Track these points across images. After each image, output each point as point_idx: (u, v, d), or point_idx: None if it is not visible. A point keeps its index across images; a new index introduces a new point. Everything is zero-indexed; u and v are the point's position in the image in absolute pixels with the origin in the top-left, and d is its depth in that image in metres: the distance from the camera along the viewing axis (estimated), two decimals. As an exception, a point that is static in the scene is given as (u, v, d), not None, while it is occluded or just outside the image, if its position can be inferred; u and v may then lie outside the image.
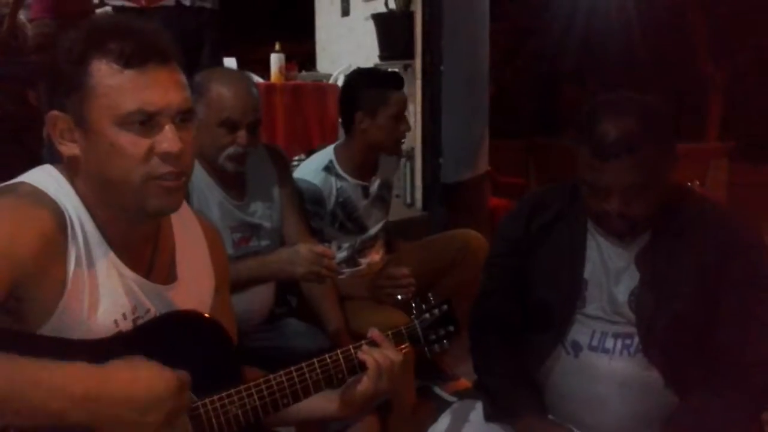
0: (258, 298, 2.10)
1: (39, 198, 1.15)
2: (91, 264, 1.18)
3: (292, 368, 1.32)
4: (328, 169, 2.69)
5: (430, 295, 1.56)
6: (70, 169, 1.20)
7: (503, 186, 5.20)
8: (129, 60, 1.12)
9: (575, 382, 1.64)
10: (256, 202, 2.17)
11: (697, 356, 1.57)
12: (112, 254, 1.21)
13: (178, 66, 1.19)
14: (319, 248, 1.98)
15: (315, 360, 1.34)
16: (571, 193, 1.70)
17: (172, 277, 1.33)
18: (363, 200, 2.74)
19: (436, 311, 1.53)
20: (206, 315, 1.33)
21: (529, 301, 1.72)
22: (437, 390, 2.97)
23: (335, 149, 2.75)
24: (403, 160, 4.09)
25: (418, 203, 4.36)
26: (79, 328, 1.16)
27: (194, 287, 1.36)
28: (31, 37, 3.85)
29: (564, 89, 6.60)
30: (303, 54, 5.29)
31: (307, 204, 2.57)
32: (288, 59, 4.60)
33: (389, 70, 3.15)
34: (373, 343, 1.40)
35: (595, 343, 1.63)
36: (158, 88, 1.14)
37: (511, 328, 1.74)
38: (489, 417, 1.69)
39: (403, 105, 2.70)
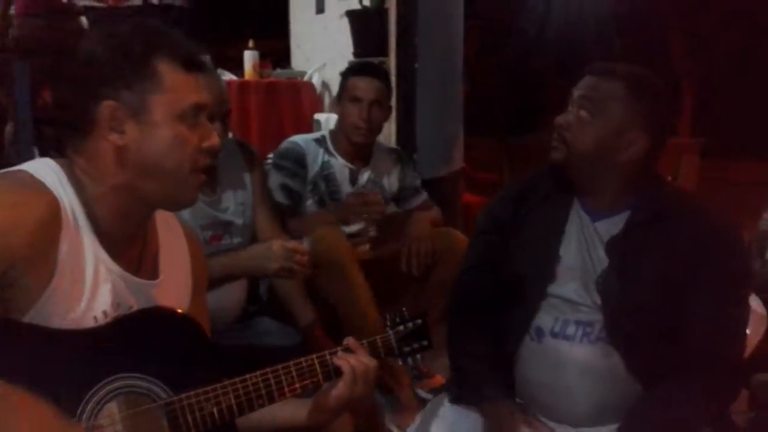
0: (229, 296, 2.09)
1: (37, 186, 1.18)
2: (80, 257, 1.20)
3: (268, 369, 1.32)
4: (319, 141, 2.80)
5: (404, 309, 1.57)
6: (116, 159, 1.23)
7: (478, 182, 5.21)
8: (189, 64, 1.26)
9: (539, 368, 1.65)
10: (227, 196, 2.16)
11: (660, 345, 1.58)
12: (101, 250, 1.23)
13: None
14: (291, 244, 1.98)
15: (291, 363, 1.35)
16: (551, 173, 1.72)
17: (155, 274, 1.35)
18: (349, 186, 2.78)
19: (410, 324, 1.54)
20: (184, 312, 1.35)
21: (505, 277, 1.73)
22: (413, 388, 2.96)
23: (331, 129, 2.88)
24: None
25: (394, 200, 4.36)
26: (59, 320, 1.17)
27: (174, 286, 1.39)
28: (16, 35, 3.81)
29: (538, 86, 6.63)
30: (278, 51, 5.25)
31: (287, 162, 2.68)
32: (262, 56, 4.58)
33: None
34: (348, 350, 1.42)
35: (557, 329, 1.64)
36: (209, 90, 1.32)
37: (489, 306, 1.75)
38: (455, 400, 1.70)
39: (360, 90, 2.74)
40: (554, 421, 1.64)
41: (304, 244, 2.01)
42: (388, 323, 1.53)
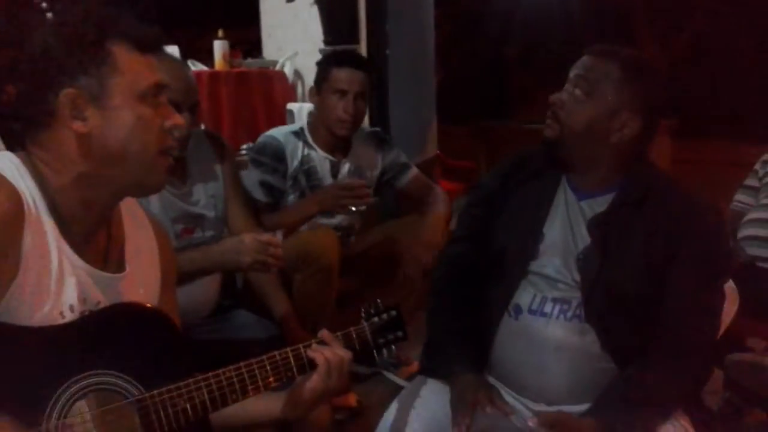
0: (203, 290, 2.06)
1: None
2: (44, 250, 1.18)
3: (242, 363, 1.31)
4: (297, 134, 2.72)
5: (378, 300, 1.57)
6: (80, 148, 1.21)
7: (453, 169, 5.22)
8: (144, 45, 1.25)
9: (515, 346, 1.66)
10: (198, 189, 2.13)
11: (635, 325, 1.59)
12: (64, 244, 1.21)
13: None
14: (265, 237, 1.95)
15: (264, 357, 1.34)
16: (545, 149, 1.72)
17: (121, 267, 1.33)
18: (330, 179, 2.73)
19: (384, 316, 1.53)
20: (154, 307, 1.33)
21: (488, 252, 1.73)
22: (390, 375, 2.97)
23: (309, 121, 2.80)
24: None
25: (368, 188, 4.36)
26: (27, 316, 1.15)
27: (141, 279, 1.36)
28: None
29: (510, 73, 6.65)
30: (248, 41, 5.20)
31: (266, 158, 2.62)
32: (233, 46, 4.52)
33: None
34: (323, 343, 1.41)
35: (534, 306, 1.65)
36: (174, 78, 1.36)
37: (471, 280, 1.75)
38: (425, 371, 1.70)
39: (345, 83, 2.67)
40: (530, 399, 1.65)
41: (278, 237, 1.99)
42: (363, 315, 1.52)
